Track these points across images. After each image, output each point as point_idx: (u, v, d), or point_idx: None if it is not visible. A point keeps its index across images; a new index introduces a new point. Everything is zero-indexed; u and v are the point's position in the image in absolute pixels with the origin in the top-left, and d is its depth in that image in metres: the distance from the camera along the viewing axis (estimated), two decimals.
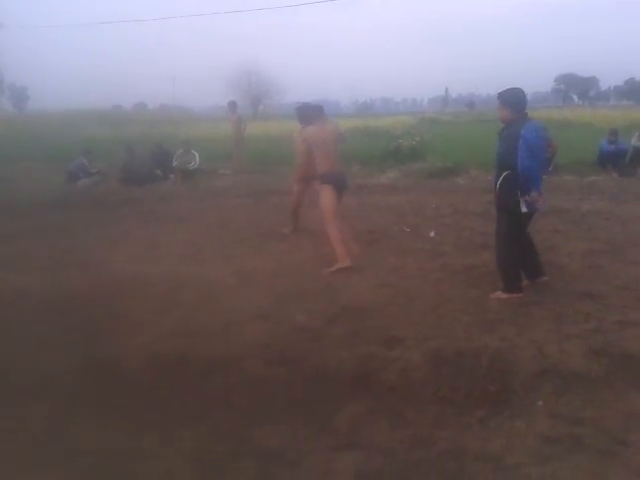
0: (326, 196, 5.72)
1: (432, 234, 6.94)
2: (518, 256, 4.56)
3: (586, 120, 24.33)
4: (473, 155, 14.00)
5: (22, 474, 2.66)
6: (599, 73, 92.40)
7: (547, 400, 3.01)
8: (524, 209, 4.33)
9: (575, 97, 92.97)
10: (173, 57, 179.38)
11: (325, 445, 2.76)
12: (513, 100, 4.43)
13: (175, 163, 12.63)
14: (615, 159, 11.73)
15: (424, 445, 2.71)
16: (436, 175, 12.13)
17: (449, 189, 10.73)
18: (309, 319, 4.26)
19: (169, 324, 4.23)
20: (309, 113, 6.10)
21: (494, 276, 5.09)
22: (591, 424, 2.76)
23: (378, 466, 2.58)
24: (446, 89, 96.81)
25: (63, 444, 2.85)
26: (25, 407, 3.17)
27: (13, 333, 4.14)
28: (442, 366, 3.35)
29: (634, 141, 11.77)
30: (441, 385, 3.18)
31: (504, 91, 4.49)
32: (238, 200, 9.98)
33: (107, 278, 5.30)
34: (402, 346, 3.67)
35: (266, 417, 3.01)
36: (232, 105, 14.19)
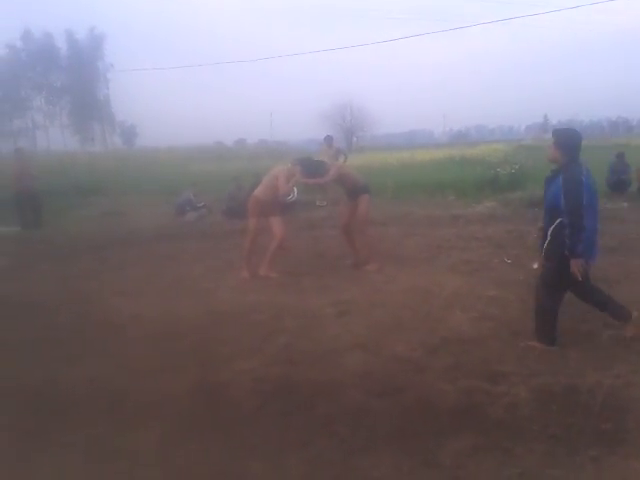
0: (368, 205, 6.87)
1: (535, 266, 6.68)
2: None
3: None
4: None
5: None
6: None
7: None
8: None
9: None
10: (271, 94, 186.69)
11: (429, 479, 2.73)
12: (568, 142, 4.04)
13: None
14: None
15: None
16: (537, 204, 11.66)
17: None
18: (408, 350, 4.25)
19: (272, 351, 4.38)
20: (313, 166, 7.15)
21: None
22: None
23: None
24: (545, 115, 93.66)
25: (171, 465, 2.96)
26: (136, 429, 3.31)
27: (126, 357, 4.40)
28: (551, 403, 3.22)
29: None
30: (550, 422, 3.05)
31: (559, 130, 4.20)
32: (334, 231, 10.14)
33: (214, 305, 5.59)
34: (507, 381, 3.58)
35: (369, 447, 3.00)
36: (328, 139, 14.62)
